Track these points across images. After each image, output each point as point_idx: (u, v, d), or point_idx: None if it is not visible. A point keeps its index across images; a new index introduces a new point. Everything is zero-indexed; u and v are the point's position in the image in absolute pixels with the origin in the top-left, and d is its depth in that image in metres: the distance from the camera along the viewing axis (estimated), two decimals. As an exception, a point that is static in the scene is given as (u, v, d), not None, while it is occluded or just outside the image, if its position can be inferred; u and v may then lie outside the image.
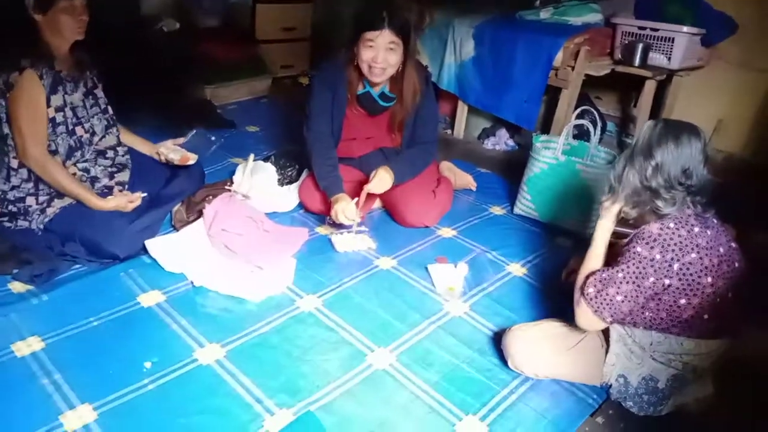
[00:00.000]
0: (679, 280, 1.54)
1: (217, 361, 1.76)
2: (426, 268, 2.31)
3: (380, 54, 2.32)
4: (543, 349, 1.73)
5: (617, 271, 1.59)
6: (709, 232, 1.56)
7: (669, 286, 1.55)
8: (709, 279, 1.54)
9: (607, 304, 1.59)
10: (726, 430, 1.65)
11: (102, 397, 1.58)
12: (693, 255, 1.53)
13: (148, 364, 1.72)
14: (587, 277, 1.66)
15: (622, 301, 1.58)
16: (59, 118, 2.16)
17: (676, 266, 1.53)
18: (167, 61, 3.90)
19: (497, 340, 1.90)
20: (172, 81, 3.89)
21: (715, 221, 1.61)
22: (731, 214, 2.74)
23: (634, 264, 1.56)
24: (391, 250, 2.45)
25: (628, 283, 1.57)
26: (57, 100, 2.14)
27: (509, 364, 1.79)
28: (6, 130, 2.13)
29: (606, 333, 1.72)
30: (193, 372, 1.72)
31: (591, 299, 1.62)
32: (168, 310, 1.97)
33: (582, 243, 2.57)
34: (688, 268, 1.53)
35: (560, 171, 2.60)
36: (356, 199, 2.39)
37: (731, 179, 3.43)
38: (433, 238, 2.57)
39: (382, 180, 2.40)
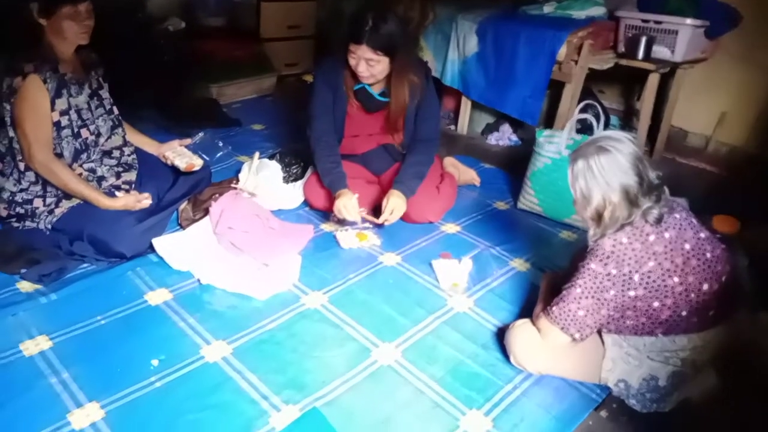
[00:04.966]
0: (644, 288, 1.55)
1: (224, 358, 1.78)
2: (430, 264, 2.32)
3: (360, 65, 2.33)
4: (543, 346, 1.73)
5: (575, 287, 1.61)
6: (667, 235, 1.54)
7: (636, 297, 1.56)
8: (676, 279, 1.54)
9: (571, 320, 1.62)
10: (731, 420, 1.64)
11: (109, 395, 1.60)
12: (651, 263, 1.53)
13: (155, 362, 1.74)
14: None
15: (585, 316, 1.60)
16: (64, 121, 2.17)
17: (636, 277, 1.54)
18: (173, 60, 3.93)
19: (501, 335, 1.91)
20: (178, 80, 3.92)
21: (678, 216, 1.58)
22: (735, 207, 2.77)
23: (590, 279, 1.58)
24: (395, 246, 2.46)
25: (587, 297, 1.59)
26: (62, 103, 2.15)
27: (511, 360, 1.80)
28: (12, 133, 2.15)
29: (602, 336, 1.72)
30: (199, 369, 1.73)
31: (555, 317, 1.65)
32: (175, 308, 1.99)
33: (586, 237, 2.59)
34: (649, 276, 1.54)
35: (564, 166, 2.56)
36: (357, 194, 2.41)
37: (735, 172, 3.45)
38: (437, 234, 2.58)
39: (397, 207, 2.40)
